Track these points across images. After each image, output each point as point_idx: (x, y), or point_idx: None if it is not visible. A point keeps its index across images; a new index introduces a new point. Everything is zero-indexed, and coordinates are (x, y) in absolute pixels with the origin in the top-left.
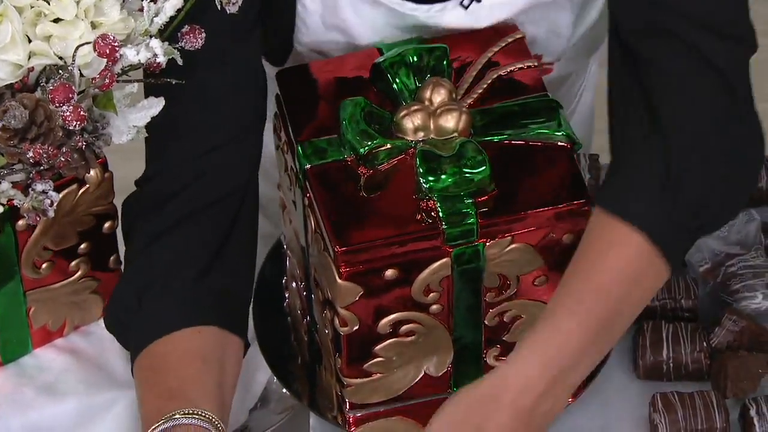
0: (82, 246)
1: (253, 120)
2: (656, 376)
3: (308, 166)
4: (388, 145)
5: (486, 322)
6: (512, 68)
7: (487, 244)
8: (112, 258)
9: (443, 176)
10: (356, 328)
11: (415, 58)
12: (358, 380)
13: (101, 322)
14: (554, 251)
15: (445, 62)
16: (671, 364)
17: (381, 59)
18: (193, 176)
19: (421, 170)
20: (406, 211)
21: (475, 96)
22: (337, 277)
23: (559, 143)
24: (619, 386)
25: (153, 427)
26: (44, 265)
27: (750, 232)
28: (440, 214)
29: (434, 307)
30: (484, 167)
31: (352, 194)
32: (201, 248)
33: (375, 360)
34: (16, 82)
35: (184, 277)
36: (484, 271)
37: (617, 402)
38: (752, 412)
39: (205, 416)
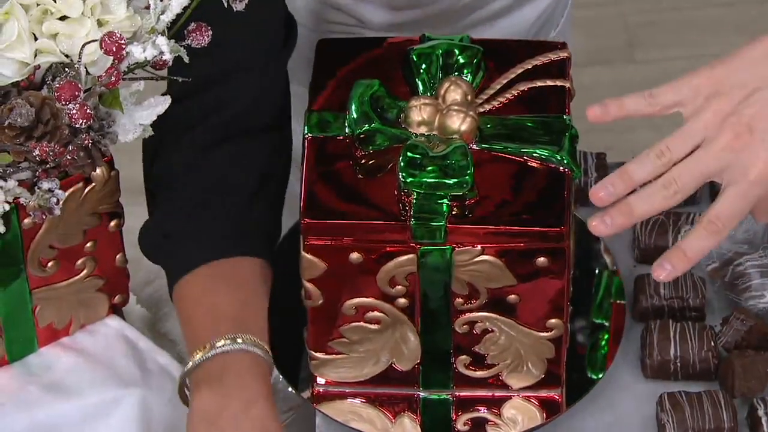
0: (88, 245)
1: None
2: (663, 376)
3: (309, 135)
4: (385, 132)
5: (456, 329)
6: (541, 84)
7: (457, 249)
8: (118, 257)
9: (422, 173)
10: (321, 302)
11: (446, 54)
12: (323, 355)
13: (107, 320)
14: (526, 272)
15: (475, 63)
16: (679, 364)
17: (412, 48)
18: (228, 96)
19: (402, 163)
20: (385, 200)
21: (496, 103)
22: (302, 248)
23: (560, 168)
24: (626, 386)
25: (199, 353)
26: (50, 264)
27: (758, 232)
28: (412, 209)
29: (401, 300)
30: (466, 174)
31: (340, 172)
32: (249, 172)
33: (339, 339)
34: (23, 80)
35: (236, 199)
36: (452, 276)
37: (624, 401)
38: (760, 412)
39: (250, 340)
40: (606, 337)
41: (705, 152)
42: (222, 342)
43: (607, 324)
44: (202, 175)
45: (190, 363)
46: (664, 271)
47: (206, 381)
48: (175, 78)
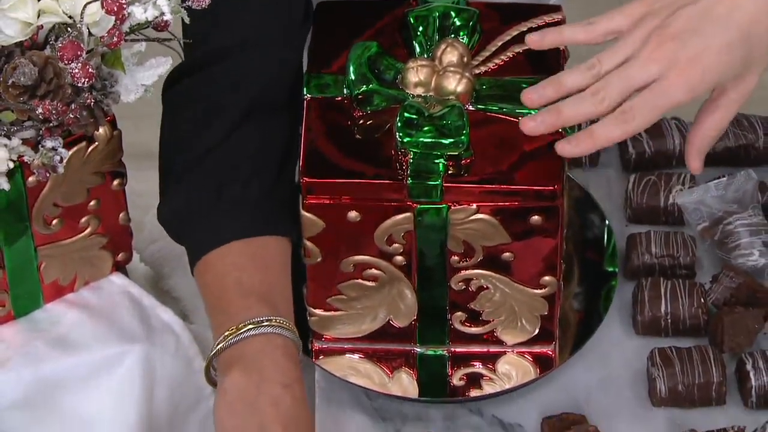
0: (92, 203)
1: (294, 27)
2: (654, 332)
3: (308, 96)
4: (382, 93)
5: (451, 285)
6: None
7: (452, 207)
8: (121, 215)
9: (419, 133)
10: (319, 260)
11: (442, 17)
12: (322, 312)
13: (111, 277)
14: (521, 230)
15: (471, 25)
16: (669, 320)
17: (409, 10)
18: (248, 69)
19: (399, 123)
20: (383, 160)
21: (492, 65)
22: (301, 207)
23: None
24: (618, 342)
25: (230, 332)
26: (54, 221)
27: (748, 191)
28: (409, 168)
29: (398, 258)
30: (462, 134)
31: (338, 132)
32: (274, 150)
33: (338, 296)
34: (26, 40)
35: (264, 178)
36: (448, 234)
37: (616, 357)
38: (748, 366)
39: (282, 323)
40: (598, 294)
41: (632, 62)
42: (255, 323)
43: (599, 281)
44: (229, 153)
45: (221, 342)
46: (568, 145)
47: (240, 362)
48: (185, 41)
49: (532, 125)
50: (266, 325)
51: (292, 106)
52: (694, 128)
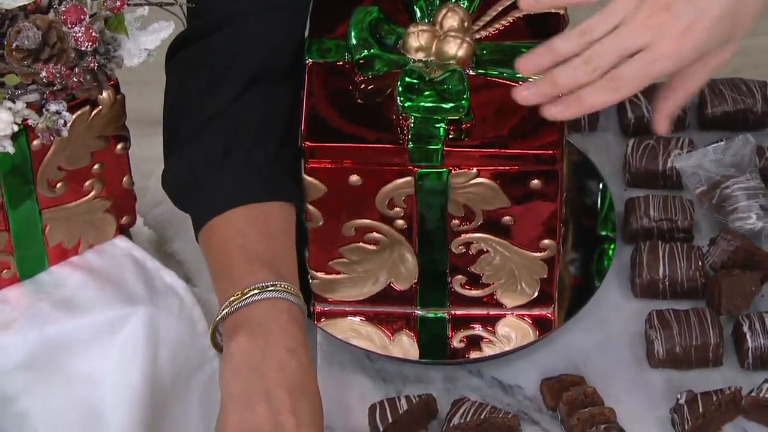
0: (96, 167)
1: None
2: (652, 295)
3: (310, 61)
4: (384, 58)
5: (452, 249)
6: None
7: (453, 171)
8: (124, 179)
9: (420, 98)
10: (321, 224)
11: None
12: (323, 275)
13: (115, 240)
14: (521, 194)
15: None
16: (667, 283)
17: None
18: (251, 37)
19: (400, 88)
20: (384, 124)
21: (492, 30)
22: (303, 171)
23: None
24: (617, 304)
25: (236, 298)
26: (59, 185)
27: (745, 155)
28: (410, 133)
29: (399, 222)
30: (462, 99)
31: (340, 97)
32: (278, 117)
33: (339, 260)
34: (29, 4)
35: (269, 145)
36: (448, 198)
37: (614, 319)
38: (745, 328)
39: (287, 288)
40: (597, 257)
41: (623, 29)
42: (259, 288)
43: (598, 245)
44: (232, 120)
45: (227, 308)
46: (555, 108)
47: (246, 326)
48: (188, 6)
49: (525, 94)
50: (271, 290)
51: (296, 74)
52: (665, 93)
